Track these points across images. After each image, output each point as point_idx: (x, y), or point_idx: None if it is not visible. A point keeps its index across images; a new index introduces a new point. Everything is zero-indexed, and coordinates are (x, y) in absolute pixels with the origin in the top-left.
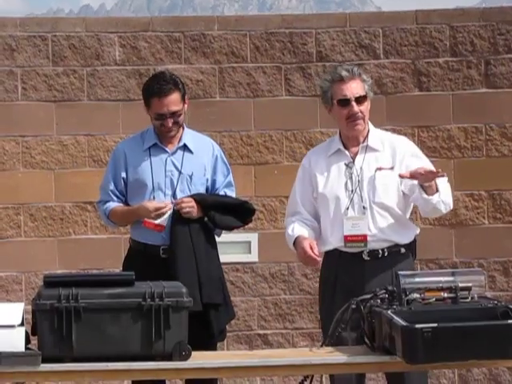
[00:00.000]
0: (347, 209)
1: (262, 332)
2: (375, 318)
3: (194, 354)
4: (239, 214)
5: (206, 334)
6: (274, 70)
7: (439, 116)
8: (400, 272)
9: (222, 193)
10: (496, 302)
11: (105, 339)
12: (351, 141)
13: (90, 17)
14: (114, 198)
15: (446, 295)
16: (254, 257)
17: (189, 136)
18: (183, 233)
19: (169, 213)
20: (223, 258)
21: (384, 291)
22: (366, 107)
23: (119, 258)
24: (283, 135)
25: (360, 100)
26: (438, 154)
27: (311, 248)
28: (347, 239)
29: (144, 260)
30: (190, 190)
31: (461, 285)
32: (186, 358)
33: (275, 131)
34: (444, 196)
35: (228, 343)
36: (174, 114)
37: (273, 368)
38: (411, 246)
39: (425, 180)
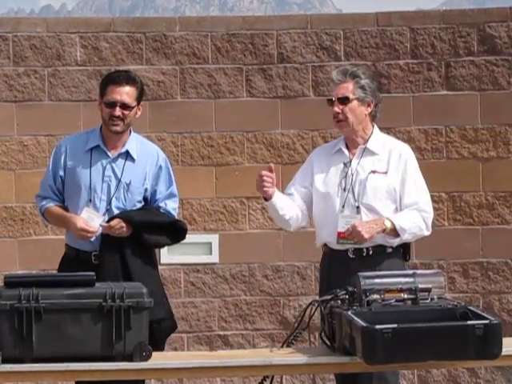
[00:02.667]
0: (343, 206)
1: (222, 333)
2: (335, 319)
3: (155, 354)
4: (171, 232)
5: None
6: (235, 72)
7: (400, 118)
8: (360, 273)
9: (162, 204)
10: (455, 303)
11: (65, 340)
12: (351, 142)
13: (51, 17)
14: (52, 195)
15: (405, 296)
16: (214, 258)
17: (133, 143)
18: (112, 244)
19: (98, 218)
20: (184, 259)
21: (344, 292)
22: (350, 108)
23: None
24: (244, 136)
25: (343, 101)
26: None
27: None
28: (340, 236)
29: (77, 265)
30: (125, 199)
31: (420, 286)
32: (147, 358)
33: (236, 132)
34: (410, 230)
35: (188, 344)
36: (125, 106)
37: (233, 368)
38: (399, 247)
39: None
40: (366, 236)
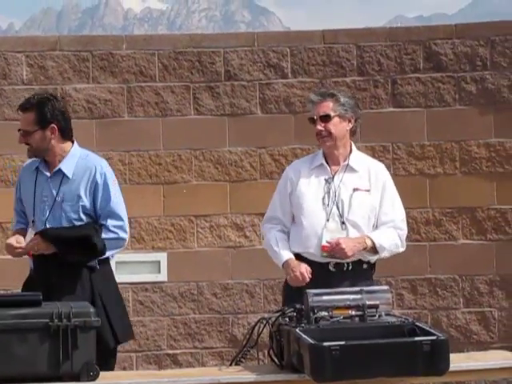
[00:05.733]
0: (327, 221)
1: (171, 352)
2: (283, 336)
3: (103, 374)
4: (86, 248)
5: None
6: (183, 89)
7: None
8: (308, 290)
9: (103, 222)
10: (403, 319)
11: (11, 360)
12: (331, 158)
13: None
14: (19, 218)
15: (353, 313)
16: (163, 276)
17: (71, 160)
18: (40, 262)
19: None
20: (132, 278)
21: (292, 309)
22: (333, 125)
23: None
24: (192, 154)
25: (324, 119)
26: None
27: (306, 271)
28: (324, 249)
29: (34, 284)
30: (60, 218)
31: (368, 302)
32: (94, 378)
33: (184, 150)
34: (388, 248)
35: (137, 363)
36: (25, 134)
37: None
38: (372, 264)
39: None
40: (349, 254)
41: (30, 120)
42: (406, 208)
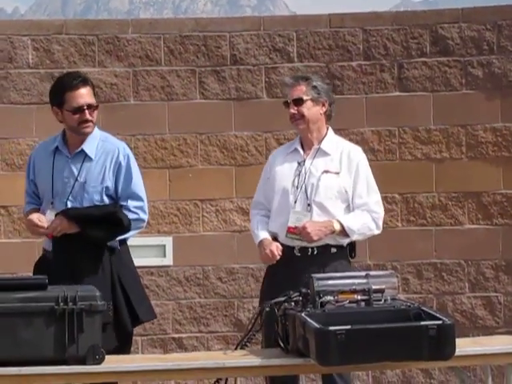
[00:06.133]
0: (295, 202)
1: (176, 336)
2: (289, 321)
3: (108, 357)
4: (112, 225)
5: None
6: (189, 74)
7: (353, 119)
8: (314, 274)
9: (124, 203)
10: (409, 303)
11: (18, 343)
12: (306, 141)
13: (3, 20)
14: (31, 200)
15: (359, 297)
16: (168, 260)
17: (93, 141)
18: (60, 244)
19: None
20: (138, 262)
21: (298, 294)
22: (306, 109)
23: (33, 262)
24: (198, 138)
25: (297, 102)
26: None
27: (277, 249)
28: (289, 231)
29: (45, 266)
30: (82, 199)
31: (374, 287)
32: (100, 361)
33: (189, 134)
34: (359, 231)
35: (143, 347)
36: (91, 107)
37: (186, 371)
38: (345, 247)
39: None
40: (315, 238)
41: (90, 93)
42: (412, 192)
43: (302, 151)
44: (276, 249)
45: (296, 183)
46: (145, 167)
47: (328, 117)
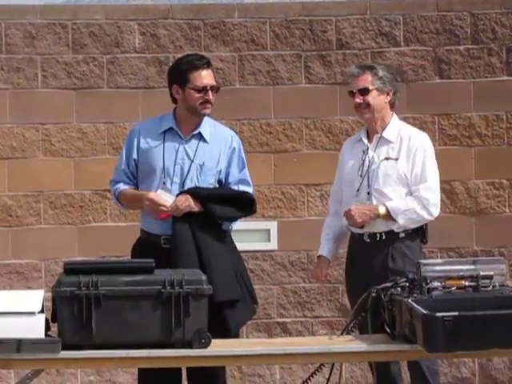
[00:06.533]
0: (358, 190)
1: (281, 320)
2: (395, 307)
3: (214, 341)
4: (240, 205)
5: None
6: (294, 58)
7: (460, 104)
8: (421, 260)
9: (235, 187)
10: None
11: (124, 326)
12: (371, 131)
13: (110, 4)
14: (126, 179)
15: (467, 284)
16: (273, 245)
17: (207, 124)
18: (184, 225)
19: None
20: (242, 246)
21: (405, 279)
22: (372, 98)
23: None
24: (303, 123)
25: (363, 92)
26: (459, 142)
27: (321, 273)
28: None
29: (147, 249)
30: (198, 181)
31: (482, 273)
32: (206, 345)
33: (295, 119)
34: (403, 215)
35: (247, 331)
36: (213, 89)
37: (292, 356)
38: (414, 233)
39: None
40: (359, 220)
41: (213, 76)
42: None
43: (366, 140)
44: (320, 273)
45: (360, 172)
46: (250, 151)
47: (392, 105)
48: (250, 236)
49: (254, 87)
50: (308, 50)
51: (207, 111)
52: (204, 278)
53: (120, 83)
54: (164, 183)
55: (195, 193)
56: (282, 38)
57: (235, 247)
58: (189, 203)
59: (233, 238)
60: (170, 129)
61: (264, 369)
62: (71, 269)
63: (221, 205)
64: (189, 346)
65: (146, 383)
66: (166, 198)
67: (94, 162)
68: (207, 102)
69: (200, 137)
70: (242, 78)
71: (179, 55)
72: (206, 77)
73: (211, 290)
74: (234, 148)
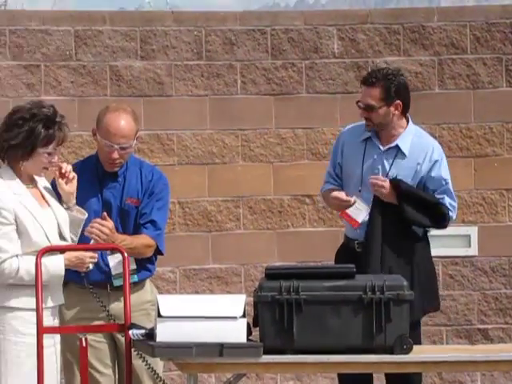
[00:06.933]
0: (359, 191)
1: (481, 327)
2: None
3: (414, 348)
4: (431, 214)
5: None
6: (495, 61)
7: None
8: None
9: (439, 196)
10: None
11: (325, 332)
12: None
13: (309, 10)
14: (331, 180)
15: None
16: (473, 250)
17: (408, 137)
18: (377, 231)
19: (365, 211)
20: (442, 252)
21: None
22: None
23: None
24: (504, 127)
25: (368, 108)
26: None
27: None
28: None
29: (347, 254)
30: None
31: None
32: (408, 351)
33: (495, 123)
34: None
35: (447, 337)
36: (368, 108)
37: (495, 363)
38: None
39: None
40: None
41: (375, 95)
42: None
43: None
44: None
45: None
46: (449, 156)
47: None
48: (451, 241)
49: (453, 91)
50: (509, 53)
51: (366, 127)
52: (405, 283)
53: (319, 88)
54: (360, 191)
55: (397, 185)
56: (483, 42)
57: (426, 254)
58: (386, 192)
59: (433, 243)
60: (369, 138)
61: (465, 376)
62: (272, 274)
63: (413, 207)
64: (390, 351)
65: None
66: (359, 206)
67: (293, 168)
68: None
69: (397, 150)
70: (441, 82)
71: (378, 60)
72: (363, 93)
73: (412, 295)
74: (435, 161)
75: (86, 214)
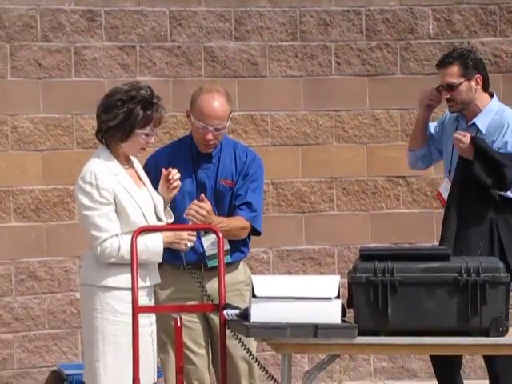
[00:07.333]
0: (449, 171)
1: None
2: None
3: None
4: (497, 175)
5: None
6: None
7: None
8: None
9: None
10: None
11: (420, 313)
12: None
13: None
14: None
15: None
16: None
17: (486, 115)
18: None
19: None
20: None
21: None
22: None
23: (431, 232)
24: None
25: (450, 88)
26: None
27: None
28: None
29: None
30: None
31: None
32: (504, 333)
33: None
34: None
35: None
36: (450, 87)
37: None
38: None
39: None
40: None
41: (454, 72)
42: None
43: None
44: None
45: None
46: None
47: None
48: None
49: None
50: None
51: (450, 109)
52: (501, 265)
53: (413, 69)
54: (449, 171)
55: (477, 140)
56: None
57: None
58: (465, 146)
59: None
60: (458, 117)
61: None
62: (367, 255)
63: (484, 167)
64: (486, 334)
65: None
66: (448, 186)
67: (387, 149)
68: (447, 100)
69: (477, 128)
70: None
71: (473, 40)
72: (442, 75)
73: (509, 277)
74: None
75: (173, 218)
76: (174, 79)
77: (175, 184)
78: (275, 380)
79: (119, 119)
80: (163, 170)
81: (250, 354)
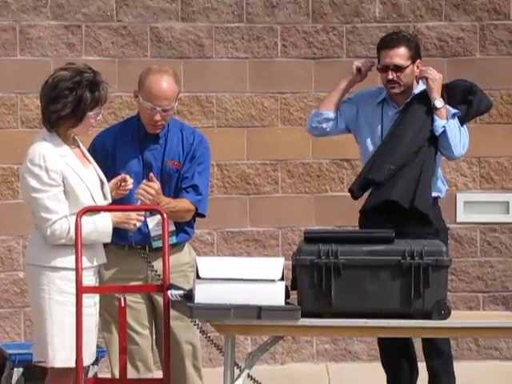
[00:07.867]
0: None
1: None
2: None
3: (453, 313)
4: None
5: None
6: None
7: None
8: None
9: None
10: None
11: (363, 296)
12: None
13: None
14: None
15: None
16: (511, 217)
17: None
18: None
19: None
20: (480, 218)
21: None
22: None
23: None
24: None
25: (397, 69)
26: None
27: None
28: None
29: None
30: None
31: None
32: (445, 316)
33: None
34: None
35: (484, 304)
36: (397, 68)
37: None
38: None
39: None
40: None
41: (403, 54)
42: None
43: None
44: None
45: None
46: (489, 123)
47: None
48: (489, 208)
49: (494, 57)
50: None
51: (394, 91)
52: (444, 249)
53: (359, 53)
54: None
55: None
56: None
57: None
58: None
59: (471, 209)
60: (384, 100)
61: (501, 342)
62: (311, 237)
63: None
64: (428, 316)
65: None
66: None
67: None
68: (389, 81)
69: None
70: (483, 47)
71: (419, 24)
72: (388, 56)
73: (451, 261)
74: None
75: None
76: (120, 59)
77: (125, 192)
78: (221, 350)
79: (70, 107)
80: (122, 173)
81: (204, 334)
